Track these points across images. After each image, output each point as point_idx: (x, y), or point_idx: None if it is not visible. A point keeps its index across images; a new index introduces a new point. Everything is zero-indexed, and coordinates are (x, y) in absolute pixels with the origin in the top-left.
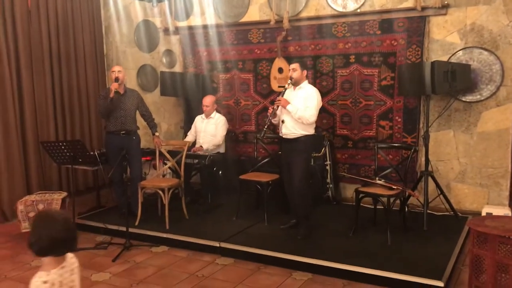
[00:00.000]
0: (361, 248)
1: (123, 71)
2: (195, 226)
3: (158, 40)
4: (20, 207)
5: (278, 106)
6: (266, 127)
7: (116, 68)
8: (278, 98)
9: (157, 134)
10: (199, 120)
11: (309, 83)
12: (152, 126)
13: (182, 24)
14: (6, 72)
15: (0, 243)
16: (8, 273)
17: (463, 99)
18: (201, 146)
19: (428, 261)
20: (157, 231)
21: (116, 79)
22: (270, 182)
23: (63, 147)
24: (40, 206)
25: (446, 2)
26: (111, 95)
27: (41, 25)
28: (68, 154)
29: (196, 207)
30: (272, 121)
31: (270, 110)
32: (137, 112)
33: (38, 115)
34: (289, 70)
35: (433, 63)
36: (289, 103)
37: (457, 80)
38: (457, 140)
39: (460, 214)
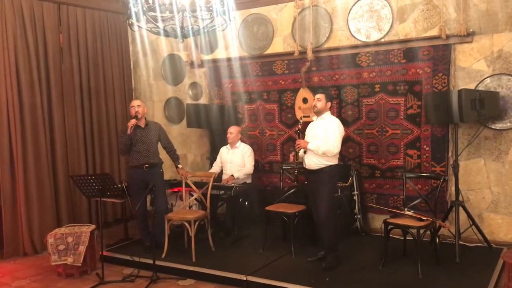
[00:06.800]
0: (391, 281)
1: (143, 105)
2: (222, 259)
3: (184, 73)
4: (50, 240)
5: (299, 150)
6: (296, 172)
7: (135, 103)
8: (296, 142)
9: (180, 166)
10: (224, 151)
11: (334, 112)
12: (175, 158)
13: (207, 57)
14: (38, 106)
15: (30, 276)
16: None
17: (493, 127)
18: (232, 175)
19: None
20: (183, 264)
21: (136, 116)
22: (297, 213)
23: (91, 181)
24: (69, 239)
25: (471, 30)
26: (129, 131)
27: (72, 61)
28: (96, 187)
29: (219, 238)
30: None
31: (292, 158)
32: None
33: (68, 148)
34: (314, 99)
35: (460, 91)
36: (307, 142)
37: (485, 108)
38: (488, 169)
39: (494, 246)
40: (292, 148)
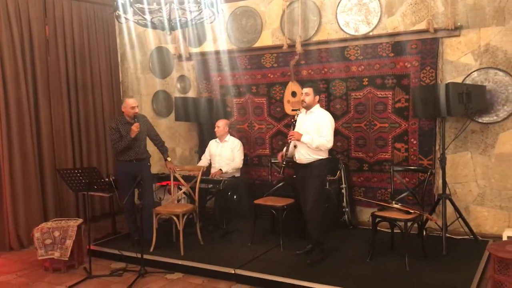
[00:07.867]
0: (379, 274)
1: None
2: (210, 252)
3: (172, 66)
4: (37, 234)
5: (291, 141)
6: (284, 164)
7: (135, 103)
8: (290, 133)
9: (169, 159)
10: (213, 144)
11: (322, 106)
12: (164, 151)
13: (196, 50)
14: (24, 100)
15: (16, 271)
16: None
17: (480, 120)
18: (220, 169)
19: (448, 287)
20: (172, 258)
21: (136, 117)
22: (285, 206)
23: (78, 174)
24: (56, 233)
25: (459, 24)
26: (132, 135)
27: (58, 53)
28: (83, 181)
29: (208, 231)
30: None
31: (280, 158)
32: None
33: (55, 141)
34: (302, 94)
35: (447, 85)
36: (301, 135)
37: (472, 102)
38: (474, 162)
39: (480, 238)
40: (283, 142)
